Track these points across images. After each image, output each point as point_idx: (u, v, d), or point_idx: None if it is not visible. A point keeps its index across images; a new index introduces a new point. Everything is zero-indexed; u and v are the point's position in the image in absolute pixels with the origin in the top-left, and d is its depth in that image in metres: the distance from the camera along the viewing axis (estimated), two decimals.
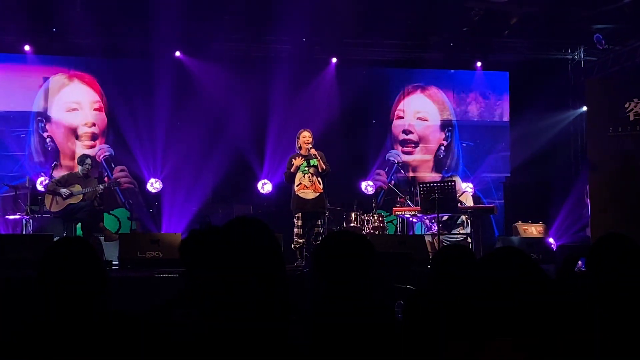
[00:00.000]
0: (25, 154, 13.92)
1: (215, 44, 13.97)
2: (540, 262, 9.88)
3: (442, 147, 15.57)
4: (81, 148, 14.14)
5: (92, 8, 12.92)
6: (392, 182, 14.44)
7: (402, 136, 15.46)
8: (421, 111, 15.58)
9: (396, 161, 15.22)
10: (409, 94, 15.62)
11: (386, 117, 15.52)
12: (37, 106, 14.21)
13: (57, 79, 14.38)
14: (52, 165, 12.65)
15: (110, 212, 13.84)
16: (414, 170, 15.39)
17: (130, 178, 14.22)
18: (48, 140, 14.13)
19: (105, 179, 12.97)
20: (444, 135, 15.62)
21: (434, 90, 15.67)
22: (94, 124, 14.38)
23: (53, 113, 14.29)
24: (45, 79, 14.29)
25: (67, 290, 2.86)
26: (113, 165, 14.32)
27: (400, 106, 15.56)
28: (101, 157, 14.27)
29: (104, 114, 14.45)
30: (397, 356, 2.80)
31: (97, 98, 14.45)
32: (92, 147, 14.28)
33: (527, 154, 15.07)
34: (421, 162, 15.46)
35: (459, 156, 15.61)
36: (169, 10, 12.81)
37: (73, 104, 14.37)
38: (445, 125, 15.65)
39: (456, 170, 15.31)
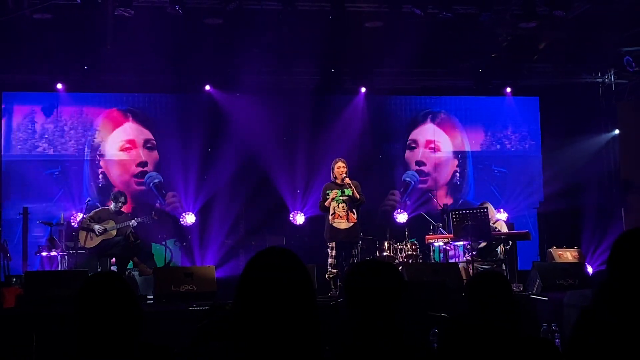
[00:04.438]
0: (60, 192, 14.01)
1: (244, 76, 14.03)
2: (577, 288, 9.80)
3: (457, 174, 15.49)
4: (133, 185, 14.36)
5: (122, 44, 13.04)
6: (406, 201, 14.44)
7: (415, 167, 15.40)
8: (433, 141, 15.51)
9: (412, 182, 15.17)
10: (420, 123, 15.58)
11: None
12: (91, 144, 14.35)
13: (111, 117, 14.53)
14: (86, 201, 12.74)
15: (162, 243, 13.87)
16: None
17: (181, 204, 14.21)
18: (101, 176, 14.29)
19: (157, 204, 12.84)
20: (457, 162, 15.53)
21: (443, 117, 15.62)
22: (146, 163, 14.54)
23: (107, 151, 14.44)
24: (90, 117, 14.44)
25: (102, 325, 2.88)
26: (164, 192, 14.45)
27: (412, 136, 15.54)
28: (151, 184, 14.41)
29: (156, 152, 14.59)
30: None
31: (151, 136, 14.61)
32: (142, 184, 14.49)
33: (560, 179, 14.91)
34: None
35: (470, 183, 15.52)
36: (198, 44, 13.01)
37: (126, 143, 14.52)
38: (458, 152, 15.58)
39: (467, 196, 15.31)
